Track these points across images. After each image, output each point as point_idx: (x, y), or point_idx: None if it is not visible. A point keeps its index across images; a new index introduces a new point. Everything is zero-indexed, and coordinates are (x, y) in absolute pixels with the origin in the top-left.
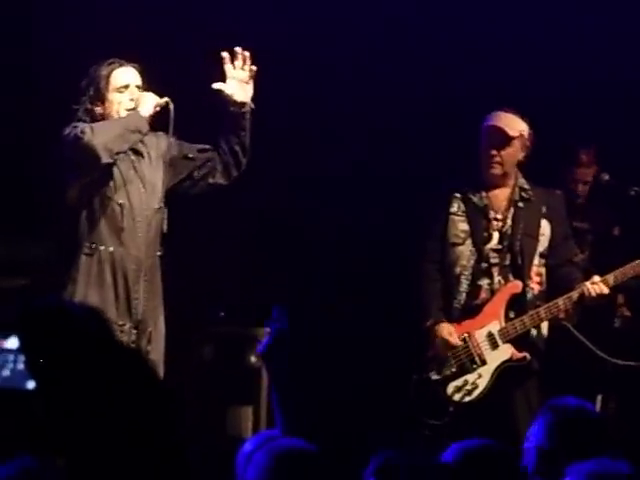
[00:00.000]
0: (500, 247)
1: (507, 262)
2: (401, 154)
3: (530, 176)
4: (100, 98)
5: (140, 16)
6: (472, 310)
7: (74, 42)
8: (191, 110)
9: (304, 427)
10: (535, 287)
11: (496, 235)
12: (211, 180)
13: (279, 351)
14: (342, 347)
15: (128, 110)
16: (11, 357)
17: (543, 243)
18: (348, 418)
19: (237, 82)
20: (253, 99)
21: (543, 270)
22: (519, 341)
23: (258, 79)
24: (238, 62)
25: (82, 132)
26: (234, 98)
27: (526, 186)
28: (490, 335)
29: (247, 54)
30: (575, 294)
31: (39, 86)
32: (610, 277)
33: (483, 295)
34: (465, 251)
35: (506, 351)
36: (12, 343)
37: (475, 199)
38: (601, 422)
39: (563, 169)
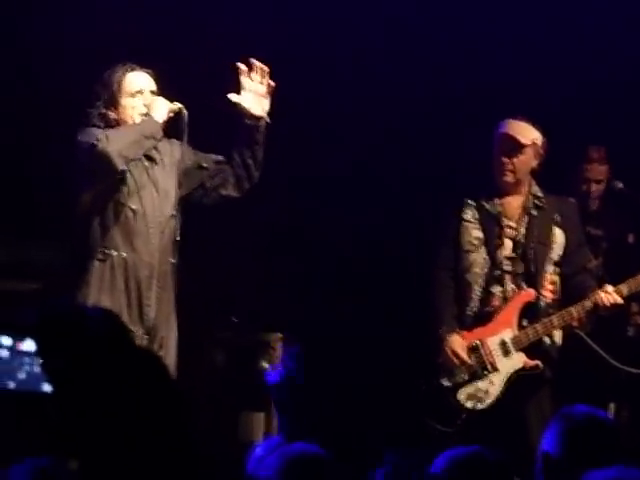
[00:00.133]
0: (513, 255)
1: (520, 270)
2: (401, 154)
3: (543, 179)
4: (113, 103)
5: (146, 18)
6: (484, 317)
7: (74, 42)
8: (205, 118)
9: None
10: (548, 295)
11: (509, 243)
12: (223, 192)
13: (289, 393)
14: (350, 353)
15: (141, 115)
16: (27, 360)
17: (556, 251)
18: (358, 424)
19: (253, 95)
20: (269, 113)
21: (556, 278)
22: (532, 349)
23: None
24: (255, 75)
25: (97, 139)
26: (250, 111)
27: (539, 194)
28: (503, 343)
29: (266, 68)
30: (588, 303)
31: (39, 86)
32: (624, 287)
33: (496, 302)
34: (478, 258)
35: (519, 359)
36: (28, 346)
37: (488, 206)
38: (613, 430)
39: (574, 169)
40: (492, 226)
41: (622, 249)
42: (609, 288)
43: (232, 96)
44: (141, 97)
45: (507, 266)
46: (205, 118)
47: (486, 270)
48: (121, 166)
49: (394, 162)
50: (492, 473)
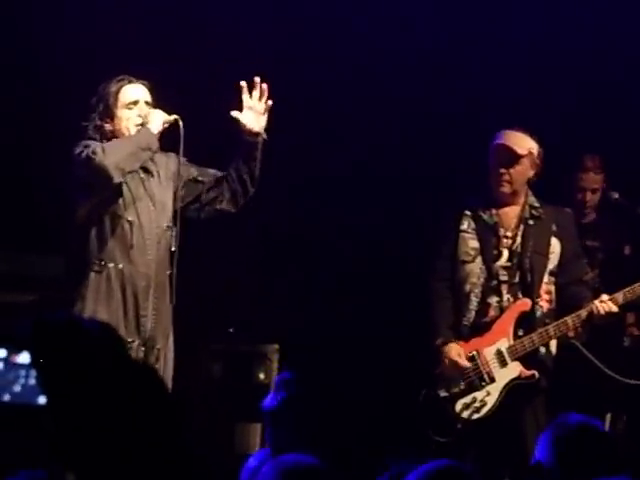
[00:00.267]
0: (509, 265)
1: (516, 280)
2: (401, 154)
3: (538, 188)
4: (109, 114)
5: (146, 23)
6: (481, 328)
7: (75, 42)
8: (202, 130)
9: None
10: (544, 305)
11: (506, 253)
12: (218, 206)
13: (287, 419)
14: (348, 363)
15: (137, 126)
16: (22, 372)
17: (553, 261)
18: (356, 436)
19: (252, 112)
20: (267, 130)
21: (552, 288)
22: (528, 359)
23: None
24: (256, 93)
25: (93, 152)
26: (248, 128)
27: (536, 204)
28: (499, 353)
29: (265, 87)
30: (584, 312)
31: (39, 86)
32: (619, 295)
33: (492, 313)
34: (475, 269)
35: (515, 369)
36: (23, 358)
37: (485, 216)
38: (607, 439)
39: (569, 178)
40: (489, 236)
41: (618, 260)
42: (604, 297)
43: (233, 113)
44: (136, 108)
45: (503, 276)
46: (202, 131)
47: (482, 280)
48: (118, 179)
49: (393, 165)
50: None
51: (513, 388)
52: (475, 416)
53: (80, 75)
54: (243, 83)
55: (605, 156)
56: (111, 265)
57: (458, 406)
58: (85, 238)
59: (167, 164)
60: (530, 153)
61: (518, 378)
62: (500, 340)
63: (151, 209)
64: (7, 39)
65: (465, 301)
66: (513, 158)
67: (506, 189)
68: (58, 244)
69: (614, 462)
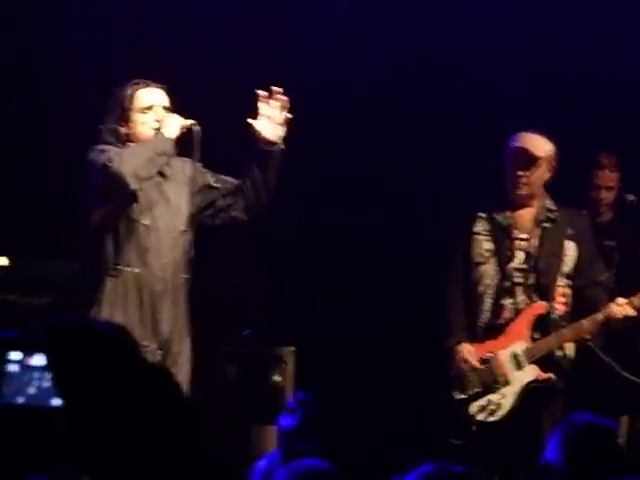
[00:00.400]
0: (524, 266)
1: (531, 281)
2: (402, 156)
3: (554, 187)
4: (124, 118)
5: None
6: (496, 329)
7: (76, 43)
8: (220, 136)
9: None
10: (560, 308)
11: (520, 254)
12: (232, 213)
13: (308, 437)
14: (360, 366)
15: (153, 130)
16: (37, 374)
17: (568, 264)
18: (371, 440)
19: (269, 121)
20: (285, 141)
21: (568, 291)
22: (544, 361)
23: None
24: (274, 102)
25: (110, 160)
26: (264, 136)
27: (552, 207)
28: (515, 355)
29: (286, 99)
30: (600, 316)
31: (39, 86)
32: (636, 299)
33: (507, 314)
34: (489, 270)
35: (531, 372)
36: (38, 360)
37: (499, 218)
38: (617, 439)
39: (585, 177)
40: (502, 238)
41: (634, 261)
42: (620, 300)
43: (250, 120)
44: (152, 113)
45: (518, 278)
46: (220, 137)
47: (496, 281)
48: (135, 186)
49: (395, 166)
50: None
51: (530, 391)
52: (490, 419)
53: (81, 77)
54: (261, 91)
55: (621, 157)
56: (127, 269)
57: (473, 408)
58: (101, 243)
59: (183, 168)
60: (548, 156)
61: (535, 381)
62: (516, 343)
63: (167, 213)
64: (7, 39)
65: (479, 302)
66: (531, 161)
67: (523, 191)
68: (74, 248)
69: (624, 462)
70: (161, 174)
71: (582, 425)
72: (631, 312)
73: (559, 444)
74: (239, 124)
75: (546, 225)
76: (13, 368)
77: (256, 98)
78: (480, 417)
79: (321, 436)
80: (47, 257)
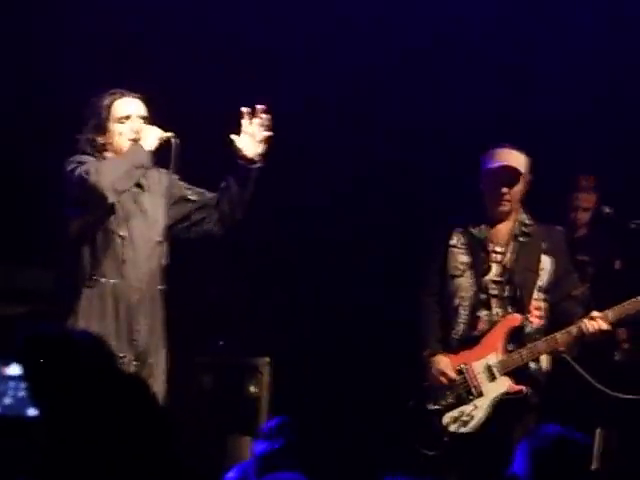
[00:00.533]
0: (500, 279)
1: (506, 294)
2: (384, 172)
3: (531, 205)
4: (102, 128)
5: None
6: (470, 341)
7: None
8: (197, 149)
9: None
10: (535, 321)
11: (496, 267)
12: (206, 227)
13: (284, 465)
14: (336, 377)
15: (130, 140)
16: (12, 384)
17: (543, 278)
18: (346, 452)
19: (250, 138)
20: (263, 158)
21: (543, 305)
22: (518, 373)
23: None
24: (256, 120)
25: (87, 172)
26: (243, 152)
27: (527, 221)
28: (488, 367)
29: (267, 117)
30: (574, 329)
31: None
32: (609, 313)
33: (482, 326)
34: (464, 283)
35: (503, 383)
36: (14, 370)
37: (475, 232)
38: (584, 450)
39: (564, 197)
40: (478, 251)
41: (609, 275)
42: (595, 314)
43: (231, 136)
44: (129, 122)
45: (493, 290)
46: (197, 149)
47: (472, 294)
48: (113, 199)
49: (376, 183)
50: None
51: (502, 403)
52: (462, 430)
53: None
54: (244, 109)
55: (597, 173)
56: (103, 280)
57: (446, 419)
58: (77, 253)
59: (159, 179)
60: (527, 171)
61: (507, 393)
62: (490, 354)
63: (143, 224)
64: (6, 39)
65: (454, 314)
66: (515, 178)
67: (507, 208)
68: (51, 258)
69: (591, 475)
70: (138, 185)
71: (549, 437)
72: (605, 326)
73: (526, 456)
74: (215, 136)
75: (521, 239)
76: None
77: (240, 115)
78: (453, 428)
79: (300, 458)
80: (24, 267)
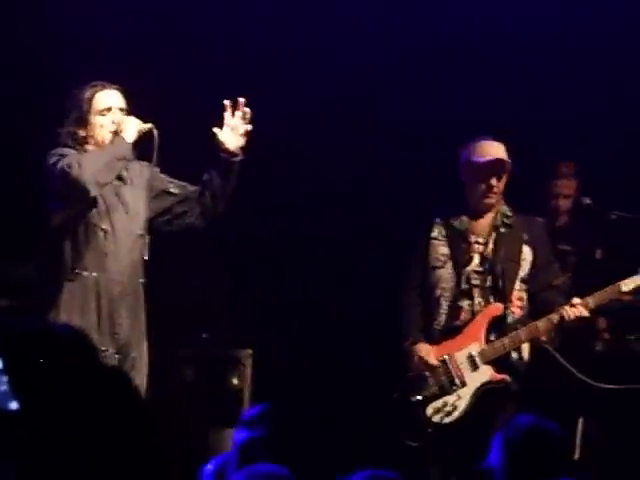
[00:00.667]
0: (481, 269)
1: (488, 284)
2: (367, 169)
3: (512, 195)
4: (83, 121)
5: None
6: (452, 331)
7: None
8: (177, 142)
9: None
10: (516, 311)
11: (477, 257)
12: (188, 220)
13: (264, 455)
14: (319, 369)
15: (111, 132)
16: None
17: (524, 268)
18: (328, 443)
19: (231, 131)
20: (244, 151)
21: (524, 295)
22: (499, 363)
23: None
24: (238, 113)
25: (69, 166)
26: (225, 145)
27: (508, 213)
28: (470, 356)
29: (248, 111)
30: (555, 317)
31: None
32: (590, 299)
33: (464, 316)
34: (445, 274)
35: (485, 372)
36: None
37: (456, 223)
38: (559, 440)
39: (543, 185)
40: (459, 242)
41: (590, 264)
42: (576, 300)
43: (214, 129)
44: (110, 115)
45: (475, 280)
46: (178, 142)
47: (453, 285)
48: (95, 192)
49: (360, 180)
50: None
51: (484, 392)
52: (446, 420)
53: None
54: (227, 102)
55: (578, 162)
56: (85, 273)
57: (429, 410)
58: (59, 247)
59: (140, 172)
60: (510, 162)
61: (489, 382)
62: (472, 344)
63: (124, 217)
64: (6, 39)
65: (435, 306)
66: (504, 170)
67: (494, 200)
68: (30, 251)
69: (565, 464)
70: (119, 178)
71: (523, 427)
72: (585, 313)
73: (500, 446)
74: (197, 128)
75: (502, 230)
76: None
77: (221, 107)
78: (436, 419)
79: (281, 449)
80: (5, 260)
